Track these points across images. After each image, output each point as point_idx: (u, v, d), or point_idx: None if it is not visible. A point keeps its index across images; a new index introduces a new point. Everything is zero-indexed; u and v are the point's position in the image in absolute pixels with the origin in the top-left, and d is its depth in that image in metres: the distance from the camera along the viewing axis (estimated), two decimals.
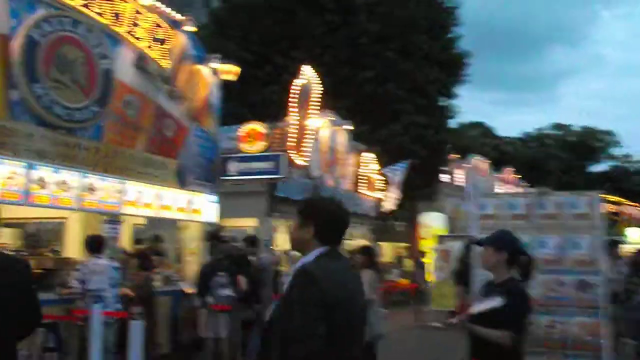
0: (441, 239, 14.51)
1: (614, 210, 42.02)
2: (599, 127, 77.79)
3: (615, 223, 39.13)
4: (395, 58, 19.49)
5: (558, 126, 77.71)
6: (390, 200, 18.10)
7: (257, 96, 17.86)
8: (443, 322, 9.21)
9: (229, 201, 11.79)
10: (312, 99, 13.13)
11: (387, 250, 23.21)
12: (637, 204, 43.49)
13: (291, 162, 12.30)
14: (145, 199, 8.31)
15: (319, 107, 13.54)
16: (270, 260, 8.99)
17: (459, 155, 29.08)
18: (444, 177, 25.97)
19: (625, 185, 67.86)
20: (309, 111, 13.08)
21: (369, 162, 17.10)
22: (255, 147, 9.58)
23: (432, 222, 21.80)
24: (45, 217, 8.72)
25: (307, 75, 13.03)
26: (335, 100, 15.71)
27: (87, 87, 7.41)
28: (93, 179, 7.40)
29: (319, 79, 13.32)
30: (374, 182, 17.52)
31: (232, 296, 7.64)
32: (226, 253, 8.20)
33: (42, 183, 6.71)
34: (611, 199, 43.74)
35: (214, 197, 9.73)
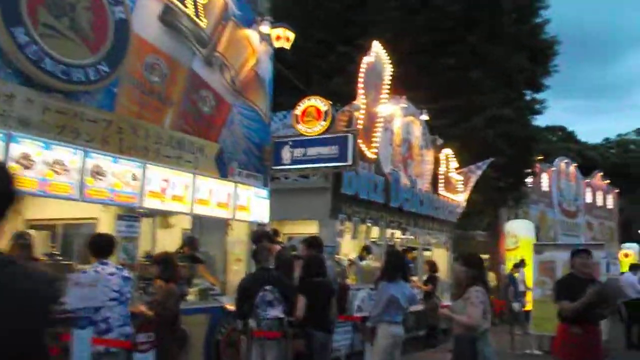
0: (539, 248, 11.98)
1: None
2: None
3: None
4: (481, 43, 17.05)
5: None
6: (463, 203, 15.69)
7: (320, 88, 15.92)
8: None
9: (285, 200, 9.86)
10: (383, 81, 11.04)
11: None
12: None
13: (360, 153, 10.24)
14: (174, 190, 6.44)
15: (390, 92, 11.44)
16: (334, 272, 6.92)
17: (542, 158, 26.14)
18: (530, 181, 23.17)
19: None
20: (380, 95, 10.99)
21: (449, 159, 14.79)
22: (315, 128, 7.57)
23: (519, 231, 19.09)
24: (73, 217, 7.10)
25: (378, 52, 10.96)
26: (411, 90, 13.57)
27: (92, 40, 5.62)
28: (101, 160, 5.60)
29: (390, 60, 11.23)
30: (454, 182, 15.18)
31: (282, 319, 5.65)
32: (282, 260, 6.25)
33: (26, 161, 4.95)
34: None
35: (264, 192, 7.80)
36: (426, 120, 14.27)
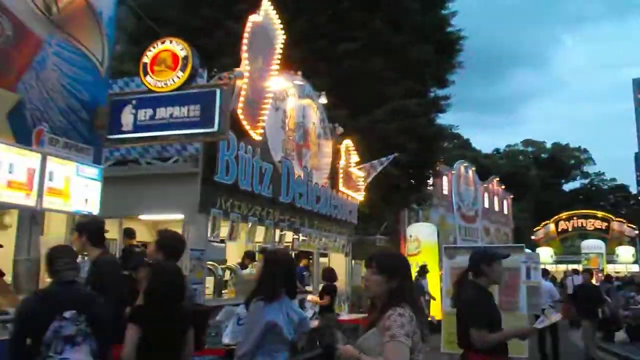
0: (451, 251, 10.42)
1: (602, 227, 39.00)
2: (571, 144, 76.53)
3: (606, 241, 35.97)
4: (383, 29, 15.53)
5: (529, 142, 75.78)
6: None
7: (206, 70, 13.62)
8: None
9: (137, 190, 7.56)
10: (273, 49, 9.00)
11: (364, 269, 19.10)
12: (623, 220, 40.51)
13: (242, 132, 8.13)
14: None
15: (282, 66, 9.45)
16: (188, 285, 4.69)
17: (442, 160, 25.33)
18: (431, 183, 22.10)
19: (599, 202, 65.94)
20: (269, 66, 8.94)
21: (350, 151, 13.01)
22: (169, 82, 5.34)
23: (422, 235, 17.78)
24: None
25: (267, 10, 8.91)
26: (307, 77, 11.69)
27: None
28: None
29: (285, 42, 9.23)
30: (355, 178, 13.43)
31: None
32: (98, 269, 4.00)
33: None
34: (600, 215, 40.88)
35: (95, 171, 5.46)
36: (325, 107, 12.44)
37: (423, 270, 13.49)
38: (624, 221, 40.36)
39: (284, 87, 9.97)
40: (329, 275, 9.97)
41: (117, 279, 4.26)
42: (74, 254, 3.92)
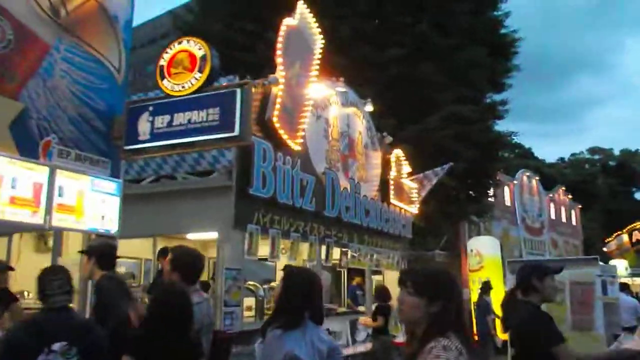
0: (514, 266, 9.47)
1: None
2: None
3: None
4: (430, 32, 14.80)
5: (595, 150, 72.39)
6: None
7: None
8: None
9: (165, 207, 7.12)
10: (311, 54, 8.46)
11: None
12: None
13: (281, 144, 7.61)
14: None
15: (322, 72, 8.89)
16: (208, 313, 4.06)
17: (503, 170, 24.07)
18: (492, 193, 20.96)
19: None
20: (308, 72, 8.40)
21: (401, 161, 12.28)
22: (186, 85, 4.85)
23: (483, 249, 16.70)
24: None
25: (303, 13, 8.39)
26: (351, 85, 11.14)
27: None
28: None
29: (327, 49, 8.69)
30: (408, 190, 12.66)
31: None
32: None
33: None
34: None
35: (113, 185, 5.00)
36: (372, 116, 11.80)
37: (487, 287, 12.49)
38: None
39: (325, 94, 9.39)
40: (382, 294, 9.24)
41: (117, 296, 3.73)
42: (68, 276, 3.42)
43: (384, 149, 11.89)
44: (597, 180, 62.66)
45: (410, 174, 12.88)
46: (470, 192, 16.47)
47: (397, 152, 12.11)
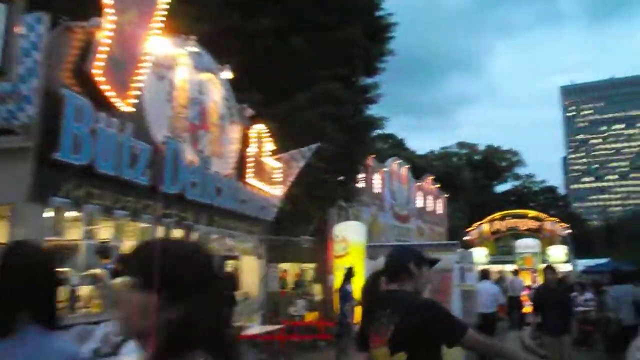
0: (374, 251, 8.90)
1: (535, 227, 38.90)
2: (502, 147, 77.79)
3: (539, 240, 35.76)
4: (305, 6, 13.90)
5: (463, 145, 76.53)
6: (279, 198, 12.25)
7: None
8: None
9: None
10: (153, 1, 7.18)
11: (290, 274, 17.46)
12: (555, 219, 40.63)
13: (105, 102, 6.28)
14: None
15: (170, 26, 7.64)
16: None
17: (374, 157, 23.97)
18: (362, 177, 20.68)
19: (530, 204, 67.03)
20: (148, 22, 7.11)
21: (263, 138, 11.29)
22: None
23: (349, 234, 16.26)
24: None
25: None
26: (217, 56, 9.96)
27: None
28: None
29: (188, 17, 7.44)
30: (270, 170, 11.71)
31: None
32: None
33: None
34: (532, 215, 40.86)
35: None
36: (238, 91, 10.72)
37: (349, 274, 11.91)
38: (557, 220, 40.45)
39: (171, 52, 8.13)
40: (228, 282, 8.22)
41: None
42: None
43: (244, 123, 10.83)
44: (464, 172, 66.15)
45: (274, 153, 11.96)
46: (340, 177, 15.88)
47: (259, 128, 11.11)
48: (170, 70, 8.23)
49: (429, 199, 30.25)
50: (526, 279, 22.22)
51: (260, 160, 11.21)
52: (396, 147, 50.18)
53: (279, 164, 12.00)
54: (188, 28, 9.30)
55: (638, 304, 8.63)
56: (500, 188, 75.99)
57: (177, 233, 8.20)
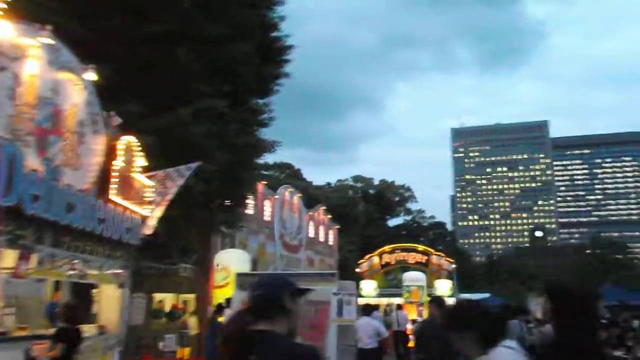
0: (243, 280, 8.04)
1: (423, 261, 39.65)
2: (396, 182, 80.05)
3: (426, 274, 36.41)
4: (194, 15, 13.01)
5: (358, 179, 77.94)
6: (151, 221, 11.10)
7: None
8: None
9: None
10: None
11: (167, 304, 16.13)
12: (442, 254, 41.73)
13: None
14: None
15: (15, 12, 6.49)
16: None
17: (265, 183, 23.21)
18: (249, 206, 19.80)
19: (420, 238, 69.02)
20: None
21: (134, 153, 10.14)
22: None
23: (231, 263, 15.28)
24: None
25: None
26: (92, 59, 8.83)
27: None
28: None
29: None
30: (140, 188, 10.54)
31: None
32: None
33: None
34: (420, 249, 41.70)
35: None
36: (114, 99, 9.59)
37: (220, 307, 10.90)
38: (443, 255, 41.52)
39: (16, 40, 6.93)
40: (69, 313, 6.98)
41: None
42: None
43: (110, 133, 9.65)
44: (358, 206, 67.05)
45: (147, 169, 10.83)
46: (226, 201, 14.90)
47: (129, 140, 9.97)
48: (17, 62, 7.01)
49: (321, 230, 29.84)
50: (411, 313, 22.11)
51: (127, 177, 10.04)
52: (292, 177, 49.89)
53: (151, 182, 10.87)
54: (60, 25, 8.18)
55: (523, 341, 8.35)
56: (393, 222, 77.96)
57: (10, 254, 6.88)
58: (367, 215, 64.74)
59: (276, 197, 23.61)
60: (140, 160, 10.36)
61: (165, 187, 11.61)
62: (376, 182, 78.27)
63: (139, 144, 10.07)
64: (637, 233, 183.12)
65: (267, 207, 22.77)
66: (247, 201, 16.84)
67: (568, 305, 3.20)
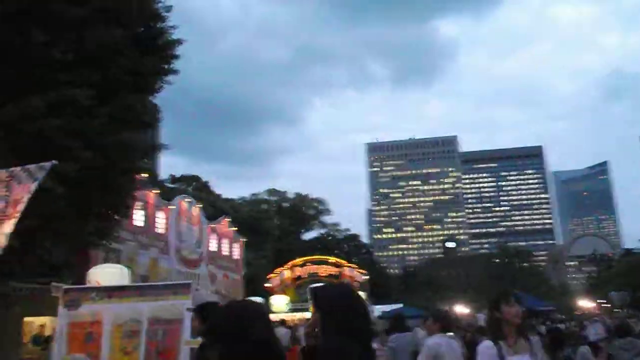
0: (72, 295, 6.48)
1: (335, 273, 38.81)
2: (311, 195, 79.31)
3: None
4: None
5: (273, 192, 76.51)
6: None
7: None
8: None
9: None
10: None
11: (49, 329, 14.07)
12: (355, 266, 41.10)
13: None
14: None
15: None
16: None
17: (158, 193, 21.34)
18: (135, 217, 17.94)
19: (335, 251, 68.39)
20: None
21: None
22: None
23: (107, 281, 13.37)
24: None
25: None
26: None
27: None
28: None
29: None
30: None
31: None
32: None
33: None
34: (332, 261, 40.89)
35: None
36: None
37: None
38: (355, 267, 40.88)
39: None
40: None
41: None
42: None
43: None
44: (272, 219, 65.53)
45: None
46: (95, 208, 13.07)
47: None
48: None
49: (224, 243, 28.14)
50: None
51: None
52: (199, 190, 47.72)
53: None
54: None
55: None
56: (307, 236, 76.91)
57: None
58: (281, 229, 63.38)
59: (171, 207, 21.79)
60: None
61: (9, 192, 9.74)
62: (290, 196, 77.13)
63: None
64: (541, 242, 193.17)
65: (161, 218, 20.92)
66: (126, 210, 14.99)
67: (334, 316, 2.42)
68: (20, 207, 9.82)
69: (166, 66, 15.53)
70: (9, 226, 9.48)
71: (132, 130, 13.83)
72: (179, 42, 15.69)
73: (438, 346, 5.85)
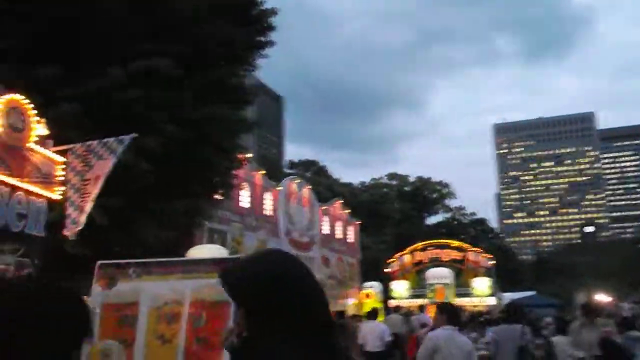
0: (108, 272, 5.56)
1: (458, 258, 36.54)
2: (433, 179, 76.65)
3: (461, 272, 33.48)
4: None
5: (394, 176, 74.85)
6: (78, 215, 8.76)
7: None
8: None
9: None
10: None
11: None
12: (479, 250, 38.49)
13: None
14: None
15: None
16: None
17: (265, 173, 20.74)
18: (241, 198, 17.48)
19: (461, 235, 65.40)
20: None
21: (28, 115, 7.89)
22: None
23: None
24: None
25: None
26: None
27: None
28: None
29: None
30: (44, 164, 8.28)
31: None
32: None
33: None
34: (455, 245, 38.62)
35: None
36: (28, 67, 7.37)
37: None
38: (480, 251, 38.32)
39: None
40: None
41: None
42: None
43: None
44: (393, 203, 63.98)
45: (63, 142, 8.60)
46: (187, 186, 12.54)
47: (15, 98, 7.70)
48: None
49: (338, 226, 27.24)
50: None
51: (26, 148, 7.79)
52: (317, 174, 47.48)
53: (63, 159, 8.60)
54: None
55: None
56: (431, 220, 74.40)
57: None
58: (402, 212, 61.62)
59: (279, 188, 21.20)
60: (41, 129, 8.09)
61: (90, 167, 9.31)
62: (412, 179, 75.00)
63: (27, 102, 7.79)
64: None
65: (268, 200, 20.38)
66: (227, 189, 14.41)
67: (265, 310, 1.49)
68: (100, 183, 9.28)
69: (262, 38, 14.75)
70: (88, 204, 9.03)
71: (224, 105, 13.15)
72: (273, 12, 14.81)
73: (436, 339, 5.75)
